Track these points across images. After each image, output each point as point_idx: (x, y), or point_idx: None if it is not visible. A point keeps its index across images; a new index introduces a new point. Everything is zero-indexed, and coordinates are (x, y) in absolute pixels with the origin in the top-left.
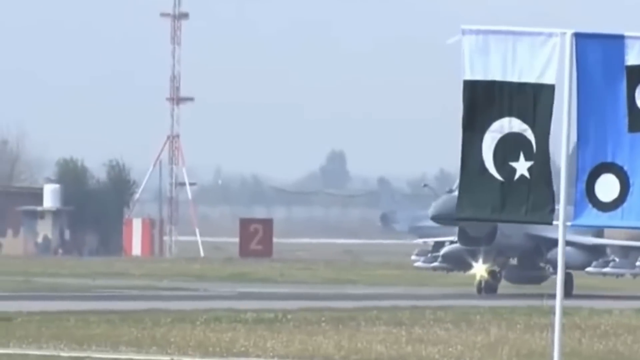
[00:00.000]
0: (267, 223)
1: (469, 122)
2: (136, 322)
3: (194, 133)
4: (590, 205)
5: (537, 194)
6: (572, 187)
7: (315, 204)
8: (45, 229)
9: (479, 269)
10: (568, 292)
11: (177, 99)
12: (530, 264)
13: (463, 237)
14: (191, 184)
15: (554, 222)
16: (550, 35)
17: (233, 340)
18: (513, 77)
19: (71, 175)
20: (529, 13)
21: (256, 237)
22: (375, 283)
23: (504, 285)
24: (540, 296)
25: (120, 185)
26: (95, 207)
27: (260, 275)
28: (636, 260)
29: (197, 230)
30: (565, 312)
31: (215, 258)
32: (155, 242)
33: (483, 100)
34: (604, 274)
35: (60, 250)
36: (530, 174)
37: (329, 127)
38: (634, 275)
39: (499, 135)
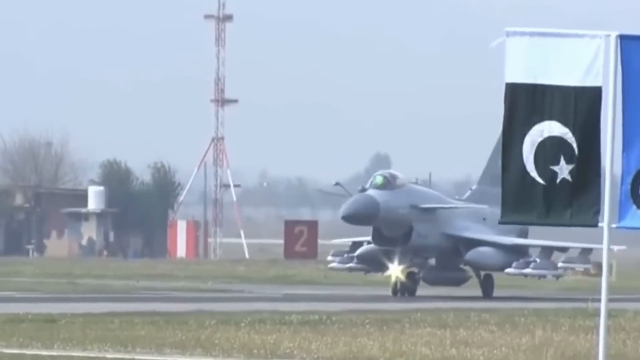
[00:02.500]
0: (312, 225)
1: (510, 125)
2: (181, 324)
3: (239, 135)
4: (634, 207)
5: (581, 197)
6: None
7: None
8: (89, 231)
9: (395, 270)
10: (488, 294)
11: (221, 101)
12: (449, 264)
13: (378, 237)
14: (236, 186)
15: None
16: (594, 37)
17: (278, 342)
18: (555, 80)
19: (115, 177)
20: (573, 15)
21: (301, 238)
22: None
23: (422, 287)
24: (585, 299)
25: (164, 187)
26: (139, 209)
27: (305, 277)
28: (558, 261)
29: (241, 232)
30: (610, 314)
31: (260, 260)
32: (200, 244)
33: (524, 103)
34: (525, 275)
35: (104, 252)
36: (572, 177)
37: (374, 129)
38: (557, 277)
39: (539, 139)
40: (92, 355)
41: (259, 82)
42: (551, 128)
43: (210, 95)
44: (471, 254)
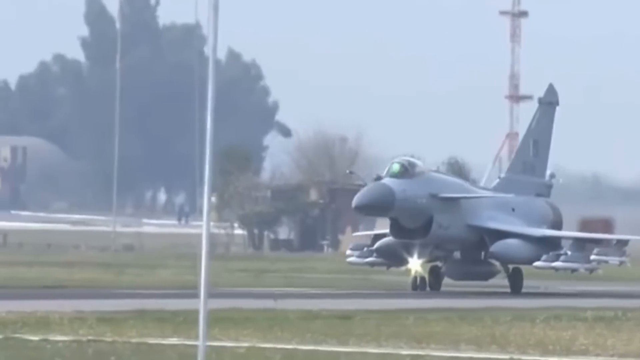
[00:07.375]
0: (607, 222)
1: None
2: (476, 320)
3: None
4: None
5: None
6: None
7: None
8: (385, 226)
9: (414, 264)
10: (517, 290)
11: (516, 97)
12: (475, 258)
13: (395, 229)
14: None
15: None
16: None
17: (573, 339)
18: None
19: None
20: None
21: None
22: None
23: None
24: None
25: None
26: None
27: (605, 273)
28: (591, 254)
29: None
30: None
31: None
32: None
33: None
34: (555, 268)
35: None
36: None
37: None
38: (590, 271)
39: None
40: (386, 351)
41: (554, 78)
42: None
43: (505, 92)
44: (497, 246)
